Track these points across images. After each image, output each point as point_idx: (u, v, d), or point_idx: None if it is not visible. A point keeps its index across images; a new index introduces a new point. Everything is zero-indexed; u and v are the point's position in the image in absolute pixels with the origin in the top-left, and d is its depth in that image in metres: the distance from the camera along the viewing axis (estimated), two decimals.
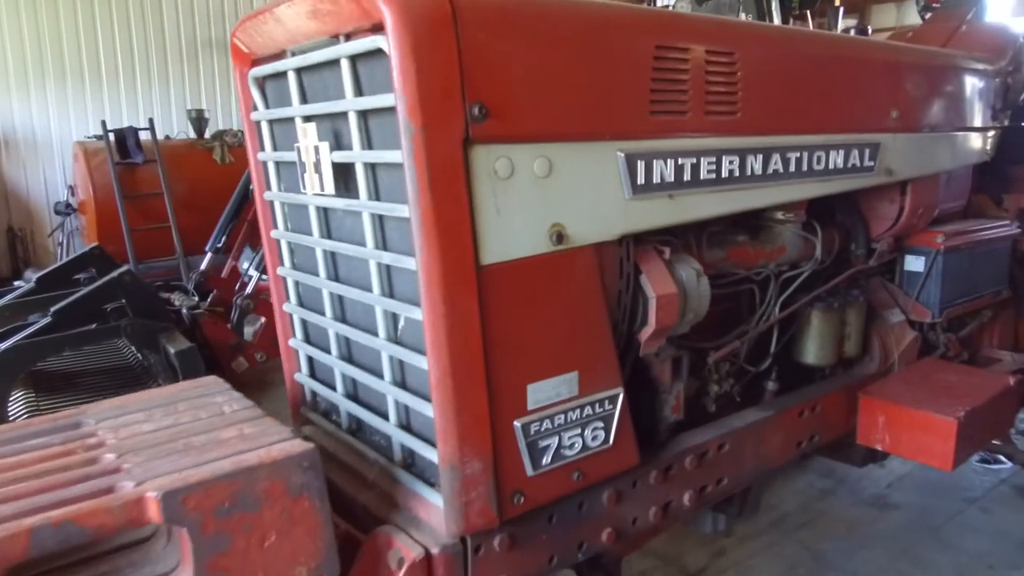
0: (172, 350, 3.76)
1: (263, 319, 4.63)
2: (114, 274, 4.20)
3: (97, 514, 1.00)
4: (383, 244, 1.32)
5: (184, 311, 4.57)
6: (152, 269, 6.35)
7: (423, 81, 1.06)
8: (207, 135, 7.79)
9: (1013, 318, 3.03)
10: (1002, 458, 4.23)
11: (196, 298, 4.92)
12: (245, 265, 5.13)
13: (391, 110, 1.15)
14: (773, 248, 1.89)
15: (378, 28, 1.12)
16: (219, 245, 5.55)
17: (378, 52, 1.14)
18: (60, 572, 1.09)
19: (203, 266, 5.51)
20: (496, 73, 1.16)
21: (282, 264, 1.66)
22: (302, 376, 1.70)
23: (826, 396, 2.05)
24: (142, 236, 6.48)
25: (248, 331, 4.70)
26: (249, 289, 4.70)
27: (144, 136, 7.01)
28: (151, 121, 7.14)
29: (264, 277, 4.67)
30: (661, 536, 3.43)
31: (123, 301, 4.04)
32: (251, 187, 5.39)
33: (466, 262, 1.17)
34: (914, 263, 2.35)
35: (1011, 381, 2.14)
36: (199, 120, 7.89)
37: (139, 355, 3.93)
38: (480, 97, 1.14)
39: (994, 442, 3.07)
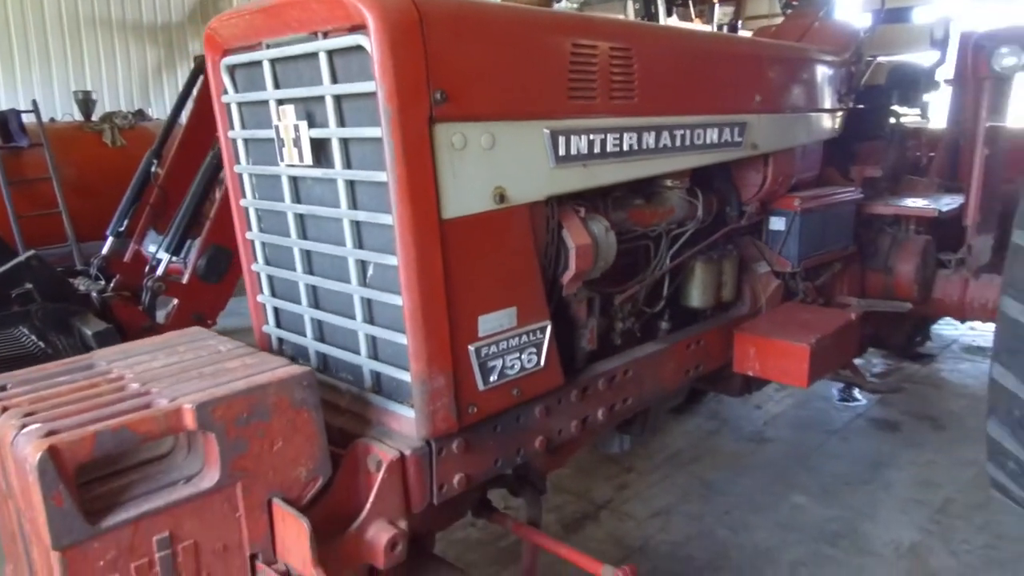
0: (89, 332, 3.79)
1: (175, 301, 4.66)
2: (20, 258, 4.15)
3: (146, 422, 1.24)
4: (355, 206, 1.59)
5: (94, 295, 4.53)
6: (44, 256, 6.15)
7: (399, 73, 1.35)
8: (95, 118, 7.54)
9: (860, 270, 3.60)
10: (858, 396, 4.94)
11: (102, 282, 4.86)
12: (152, 248, 5.10)
13: (365, 95, 1.43)
14: (664, 210, 2.28)
15: (357, 28, 1.39)
16: (120, 229, 5.46)
17: (356, 48, 1.41)
18: (102, 481, 1.32)
19: (105, 250, 5.40)
20: (453, 65, 1.46)
21: (250, 229, 1.89)
22: (270, 328, 1.94)
23: (708, 333, 2.47)
24: (30, 223, 6.20)
25: (160, 314, 4.72)
26: (160, 271, 4.70)
27: (28, 119, 6.72)
28: (35, 103, 6.86)
29: (175, 259, 4.71)
30: (571, 474, 3.85)
31: (30, 286, 4.02)
32: (153, 170, 5.34)
33: (432, 217, 1.47)
34: (777, 223, 2.82)
35: (853, 317, 2.64)
36: (86, 102, 7.61)
37: (41, 343, 3.92)
38: (441, 85, 1.44)
39: (846, 375, 3.65)
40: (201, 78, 4.98)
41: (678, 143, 2.09)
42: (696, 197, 2.38)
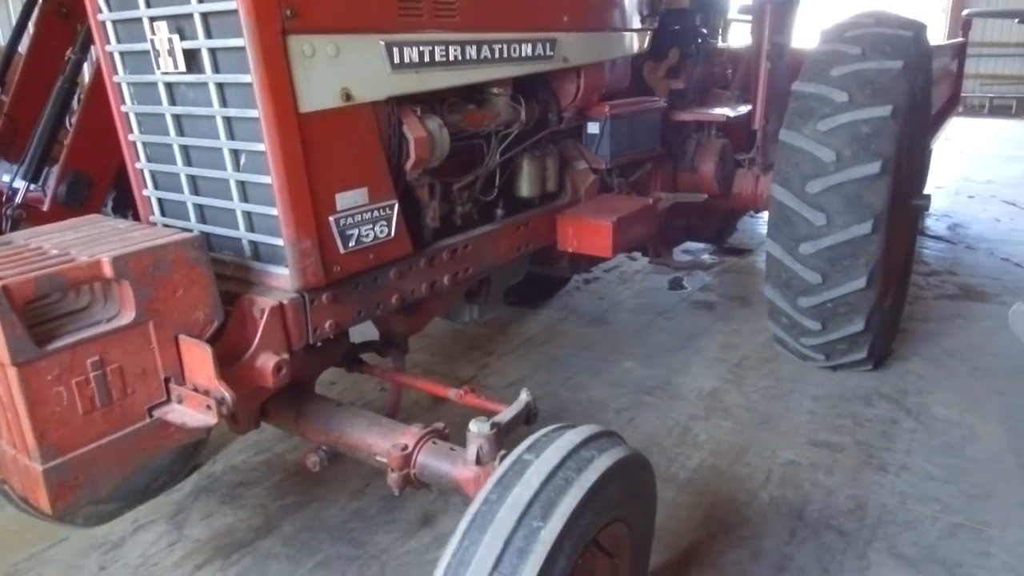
0: None
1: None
2: None
3: (73, 270, 1.60)
4: (225, 105, 1.95)
5: None
6: None
7: None
8: None
9: (671, 170, 4.26)
10: (685, 285, 5.74)
11: None
12: (6, 178, 5.05)
13: (229, 12, 1.78)
14: (491, 113, 2.74)
15: None
16: None
17: None
18: (40, 325, 1.66)
19: None
20: None
21: (131, 132, 2.19)
22: (156, 217, 2.28)
23: (535, 217, 3.01)
24: None
25: None
26: (18, 200, 4.70)
27: None
28: None
29: (33, 187, 4.72)
30: (440, 360, 4.39)
31: None
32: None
33: (290, 110, 1.86)
34: (592, 127, 3.36)
35: (651, 202, 3.27)
36: None
37: None
38: (290, 3, 1.81)
39: (662, 260, 4.35)
40: (39, 4, 4.90)
41: (496, 55, 2.54)
42: (520, 103, 2.86)
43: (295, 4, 1.82)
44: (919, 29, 3.79)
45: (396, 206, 2.23)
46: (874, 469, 3.21)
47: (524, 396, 2.12)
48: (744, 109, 4.30)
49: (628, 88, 3.62)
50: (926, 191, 5.01)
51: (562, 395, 3.96)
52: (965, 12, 6.26)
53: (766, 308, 3.96)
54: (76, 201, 4.66)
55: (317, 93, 1.93)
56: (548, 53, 2.82)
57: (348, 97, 2.02)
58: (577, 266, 3.68)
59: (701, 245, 6.32)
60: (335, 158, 2.01)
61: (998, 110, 18.61)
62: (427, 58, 2.25)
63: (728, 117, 3.99)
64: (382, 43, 2.10)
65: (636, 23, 3.50)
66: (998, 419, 3.62)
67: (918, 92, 3.85)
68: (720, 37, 4.60)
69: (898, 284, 4.38)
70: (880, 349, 4.00)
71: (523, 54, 2.69)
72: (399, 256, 2.29)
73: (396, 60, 2.14)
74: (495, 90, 2.74)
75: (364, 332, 2.69)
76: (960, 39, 8.44)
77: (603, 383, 4.08)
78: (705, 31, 4.48)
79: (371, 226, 2.15)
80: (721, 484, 3.11)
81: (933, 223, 7.48)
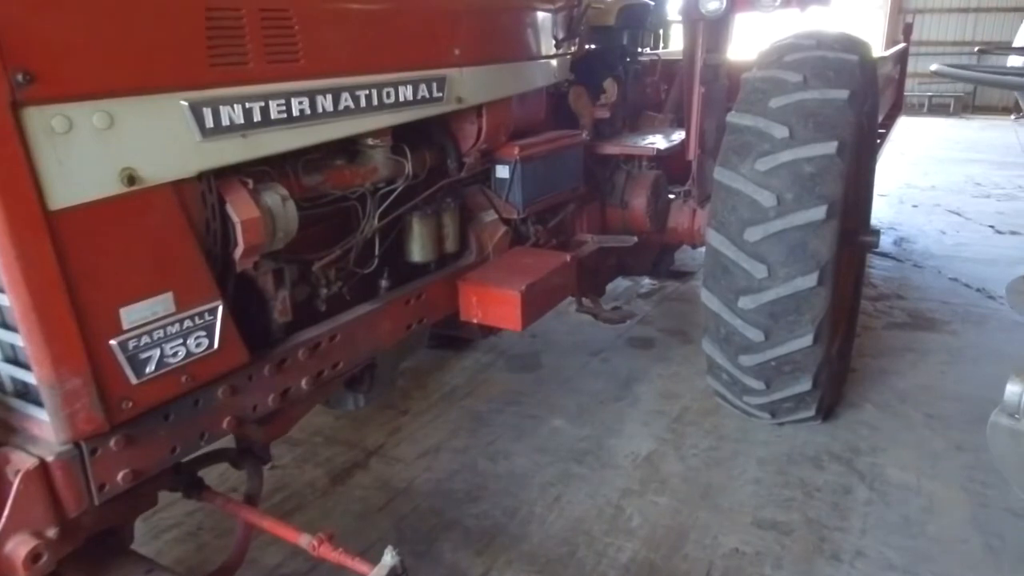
0: None
1: None
2: None
3: None
4: None
5: None
6: None
7: None
8: None
9: (600, 207, 3.83)
10: (632, 311, 5.33)
11: None
12: None
13: None
14: (366, 169, 2.25)
15: None
16: None
17: None
18: None
19: None
20: (37, 40, 1.31)
21: None
22: None
23: (430, 285, 2.53)
24: None
25: None
26: None
27: None
28: None
29: None
30: (347, 425, 3.88)
31: None
32: None
33: (32, 209, 1.34)
34: (501, 171, 2.89)
35: (567, 258, 2.81)
36: None
37: None
38: (22, 64, 1.29)
39: (587, 307, 3.91)
40: None
41: (364, 104, 2.05)
42: (404, 154, 2.38)
43: (32, 64, 1.31)
44: (864, 51, 3.42)
45: (220, 308, 1.72)
46: (826, 558, 2.83)
47: (389, 559, 1.64)
48: (678, 137, 3.88)
49: (547, 120, 3.17)
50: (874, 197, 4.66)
51: (481, 467, 3.49)
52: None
53: (705, 362, 3.56)
54: None
55: (80, 181, 1.41)
56: (436, 94, 2.34)
57: (132, 180, 1.50)
58: (490, 329, 3.22)
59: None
60: (116, 262, 1.50)
61: (936, 108, 18.78)
62: (257, 117, 1.74)
63: (658, 150, 3.57)
64: (184, 104, 1.59)
65: (549, 49, 3.04)
66: (959, 483, 3.28)
67: (865, 121, 3.48)
68: (663, 44, 4.17)
69: (847, 324, 4.03)
70: (830, 400, 3.64)
71: (402, 99, 2.20)
72: (228, 370, 1.79)
73: (208, 124, 1.64)
74: (370, 141, 2.25)
75: None
76: (902, 44, 8.23)
77: (529, 448, 3.63)
78: (636, 49, 4.06)
79: (180, 341, 1.64)
80: None
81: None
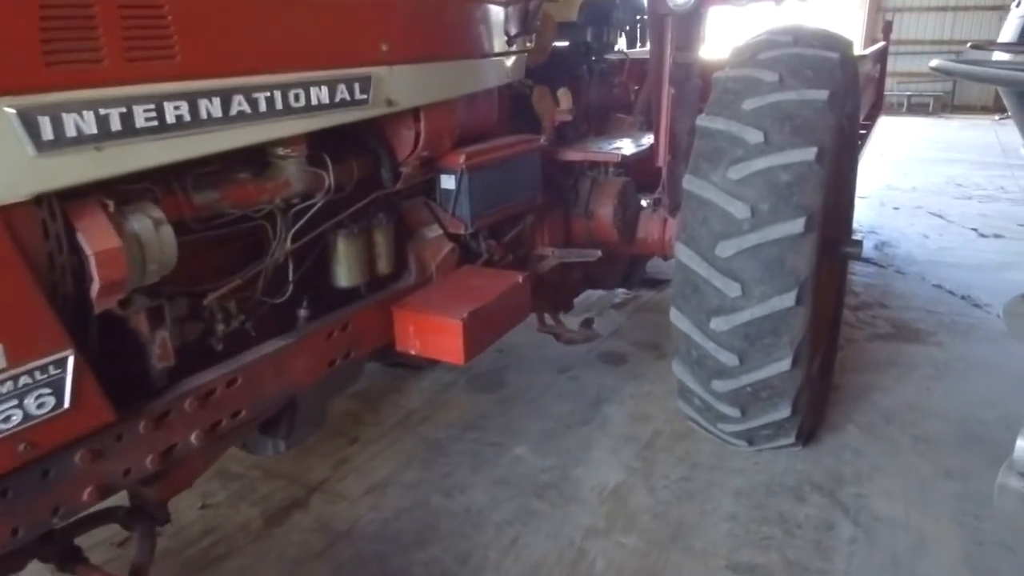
0: None
1: None
2: None
3: None
4: None
5: None
6: None
7: None
8: None
9: (562, 217, 3.53)
10: (593, 328, 5.04)
11: None
12: None
13: None
14: (276, 184, 1.94)
15: None
16: None
17: None
18: None
19: None
20: None
21: None
22: None
23: (358, 313, 2.22)
24: None
25: None
26: None
27: None
28: None
29: None
30: (289, 456, 3.55)
31: None
32: None
33: None
34: (447, 181, 2.59)
35: (519, 280, 2.51)
36: None
37: None
38: None
39: (550, 327, 3.62)
40: None
41: (265, 108, 1.74)
42: (324, 164, 2.07)
43: None
44: (845, 48, 3.15)
45: (71, 359, 1.41)
46: None
47: None
48: (647, 141, 3.60)
49: (503, 124, 2.87)
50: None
51: (434, 503, 3.18)
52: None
53: (676, 385, 3.28)
54: None
55: None
56: (359, 96, 2.03)
57: None
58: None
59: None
60: None
61: (916, 108, 18.71)
62: (116, 126, 1.43)
63: (625, 156, 3.28)
64: (11, 111, 1.28)
65: (500, 45, 2.74)
66: (949, 516, 3.02)
67: (846, 123, 3.22)
68: (638, 43, 3.87)
69: (828, 339, 3.78)
70: (811, 424, 3.38)
71: (316, 101, 1.89)
72: (86, 431, 1.47)
73: (47, 136, 1.32)
74: (280, 151, 1.94)
75: None
76: (882, 43, 8.03)
77: (487, 480, 3.33)
78: (601, 45, 3.77)
79: (14, 403, 1.33)
80: None
81: None
